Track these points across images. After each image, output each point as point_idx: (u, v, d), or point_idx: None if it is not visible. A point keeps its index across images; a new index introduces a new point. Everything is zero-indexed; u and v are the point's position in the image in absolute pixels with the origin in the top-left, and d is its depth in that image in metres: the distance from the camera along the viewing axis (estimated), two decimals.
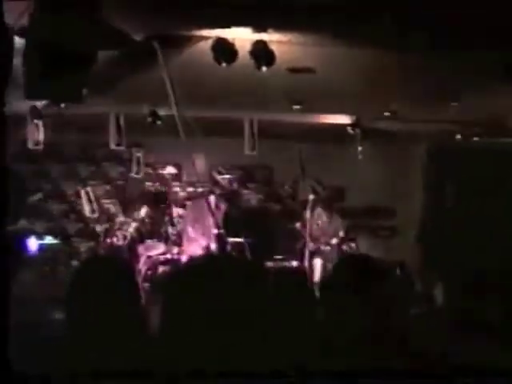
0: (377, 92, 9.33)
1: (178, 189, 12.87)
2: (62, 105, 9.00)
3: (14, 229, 10.91)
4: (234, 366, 2.04)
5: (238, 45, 6.94)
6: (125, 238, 11.01)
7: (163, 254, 10.84)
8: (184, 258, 10.57)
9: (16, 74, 4.64)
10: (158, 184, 12.63)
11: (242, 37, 6.91)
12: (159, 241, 10.99)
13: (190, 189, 12.37)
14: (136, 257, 10.71)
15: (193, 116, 8.67)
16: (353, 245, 11.59)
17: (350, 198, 12.96)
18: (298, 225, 11.81)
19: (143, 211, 11.25)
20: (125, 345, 2.56)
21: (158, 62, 7.18)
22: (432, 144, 13.10)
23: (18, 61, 4.80)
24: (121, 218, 11.27)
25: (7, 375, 1.89)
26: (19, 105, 8.97)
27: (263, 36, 6.90)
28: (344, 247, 11.39)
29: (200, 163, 10.84)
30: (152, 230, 11.08)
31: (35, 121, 10.52)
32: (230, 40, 6.93)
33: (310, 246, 11.18)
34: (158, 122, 10.62)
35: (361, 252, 11.60)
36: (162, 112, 10.39)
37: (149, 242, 10.98)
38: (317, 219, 11.37)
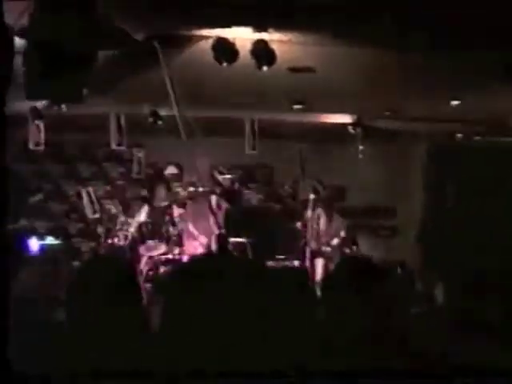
0: (377, 91, 9.33)
1: (179, 189, 12.86)
2: (63, 105, 9.01)
3: (15, 229, 10.92)
4: (234, 366, 2.04)
5: (238, 44, 6.94)
6: (126, 238, 11.00)
7: (164, 254, 10.83)
8: (185, 258, 10.57)
9: (16, 74, 4.64)
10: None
11: (242, 36, 6.91)
12: (160, 241, 10.98)
13: (191, 189, 12.35)
14: (137, 257, 10.71)
15: (193, 116, 8.68)
16: (354, 246, 11.58)
17: (351, 197, 12.96)
18: (298, 224, 11.81)
19: (144, 211, 11.25)
20: (125, 345, 2.56)
21: (159, 61, 7.18)
22: (432, 143, 13.10)
23: (18, 61, 4.80)
24: (122, 218, 11.27)
25: (7, 375, 1.89)
26: (20, 105, 8.98)
27: (264, 36, 6.90)
28: (345, 247, 11.38)
29: (202, 163, 10.83)
30: (153, 230, 11.08)
31: (36, 121, 10.53)
32: (231, 40, 6.93)
33: (312, 245, 11.17)
34: (159, 122, 10.63)
35: (362, 252, 11.61)
36: (162, 112, 10.40)
37: (150, 242, 10.97)
38: (318, 219, 11.35)
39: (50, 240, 11.44)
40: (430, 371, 2.35)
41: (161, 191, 11.49)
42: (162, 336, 2.27)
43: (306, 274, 5.08)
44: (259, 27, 6.74)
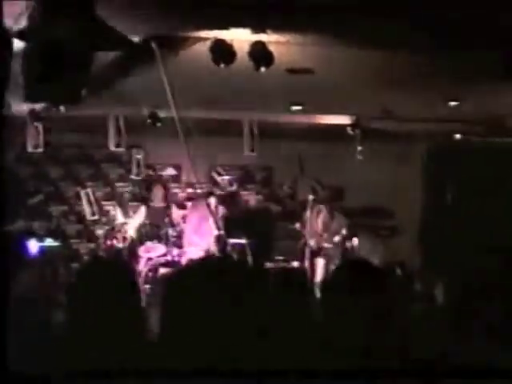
0: (376, 92, 9.33)
1: (177, 190, 12.87)
2: (61, 107, 9.01)
3: (14, 230, 10.91)
4: (234, 366, 2.04)
5: (236, 46, 6.94)
6: (125, 239, 11.00)
7: (163, 255, 10.83)
8: (184, 260, 10.57)
9: (15, 76, 4.64)
10: None
11: (240, 38, 6.91)
12: (159, 242, 10.98)
13: (190, 190, 12.35)
14: (136, 258, 10.71)
15: (192, 117, 8.68)
16: (355, 242, 11.57)
17: (350, 198, 12.95)
18: (297, 225, 11.81)
19: (143, 213, 11.25)
20: (125, 346, 2.56)
21: (157, 63, 7.18)
22: (432, 144, 13.10)
23: (16, 63, 4.81)
24: (121, 220, 11.26)
25: (6, 375, 1.89)
26: (19, 107, 8.99)
27: (262, 37, 6.90)
28: (346, 244, 11.37)
29: (201, 164, 10.84)
30: (152, 232, 11.07)
31: (35, 123, 10.53)
32: (229, 41, 6.93)
33: (312, 243, 11.17)
34: (158, 124, 10.63)
35: (361, 252, 11.61)
36: (161, 114, 10.40)
37: (149, 243, 10.97)
38: (319, 216, 11.36)
39: (49, 242, 11.44)
40: (430, 371, 2.35)
41: (159, 192, 11.48)
42: (161, 336, 2.27)
43: (305, 274, 5.09)
44: (257, 28, 6.73)
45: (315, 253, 11.20)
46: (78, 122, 10.74)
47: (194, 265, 2.28)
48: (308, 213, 11.22)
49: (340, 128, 11.60)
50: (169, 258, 10.74)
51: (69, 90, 5.19)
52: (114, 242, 11.05)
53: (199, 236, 10.99)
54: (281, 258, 11.69)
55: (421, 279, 8.72)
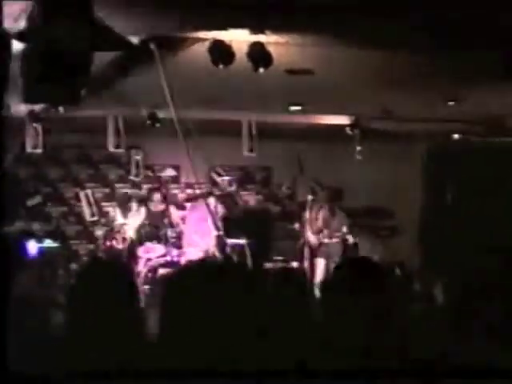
0: (376, 92, 9.33)
1: (177, 191, 12.88)
2: (60, 108, 9.01)
3: (13, 232, 10.91)
4: (234, 366, 2.04)
5: (235, 47, 6.94)
6: (124, 240, 11.01)
7: (163, 256, 10.83)
8: (184, 260, 10.57)
9: (14, 77, 4.64)
10: None
11: (239, 39, 6.91)
12: (159, 243, 10.98)
13: (189, 190, 12.37)
14: (136, 259, 10.71)
15: (191, 118, 8.68)
16: (356, 240, 11.58)
17: (350, 198, 12.95)
18: (297, 225, 11.82)
19: (142, 213, 11.25)
20: (124, 346, 2.56)
21: (156, 63, 7.18)
22: (432, 144, 13.09)
23: (16, 64, 4.81)
24: (120, 221, 11.27)
25: (6, 375, 1.89)
26: (18, 108, 8.98)
27: (260, 38, 6.90)
28: (347, 243, 11.39)
29: (200, 165, 10.83)
30: (151, 233, 11.08)
31: (34, 124, 10.54)
32: (227, 42, 6.93)
33: (312, 240, 11.18)
34: (157, 125, 10.63)
35: (361, 253, 11.61)
36: (160, 114, 10.40)
37: (148, 244, 10.98)
38: (320, 213, 11.38)
39: (48, 243, 11.44)
40: (430, 371, 2.34)
41: (159, 193, 11.49)
42: (160, 337, 2.27)
43: (304, 274, 5.09)
44: (256, 29, 6.73)
45: (315, 252, 11.21)
46: (77, 122, 10.74)
47: (193, 265, 2.28)
48: (307, 212, 11.22)
49: (339, 128, 11.61)
50: (168, 258, 10.75)
51: (68, 90, 5.19)
52: (114, 242, 11.05)
53: (199, 236, 11.00)
54: (280, 258, 11.69)
55: (420, 279, 8.72)
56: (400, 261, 10.26)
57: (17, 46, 4.93)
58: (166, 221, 11.20)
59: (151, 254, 10.85)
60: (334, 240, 11.17)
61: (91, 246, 12.39)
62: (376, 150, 12.14)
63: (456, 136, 12.47)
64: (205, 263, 2.34)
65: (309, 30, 6.80)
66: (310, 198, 11.30)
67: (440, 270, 9.37)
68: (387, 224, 13.69)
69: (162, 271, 10.52)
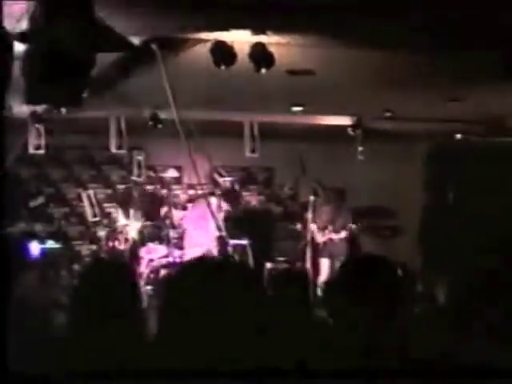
0: (377, 92, 9.33)
1: (179, 191, 12.89)
2: (62, 109, 9.02)
3: (16, 232, 10.92)
4: (234, 366, 2.04)
5: (236, 47, 6.94)
6: (126, 241, 11.02)
7: (165, 256, 10.84)
8: (185, 261, 10.57)
9: (16, 78, 4.65)
10: None
11: (240, 39, 6.91)
12: (161, 244, 10.99)
13: (191, 191, 12.38)
14: (138, 260, 10.72)
15: (193, 118, 8.69)
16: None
17: (352, 198, 12.96)
18: (299, 226, 11.84)
19: (144, 214, 11.26)
20: (124, 346, 2.57)
21: (158, 64, 7.19)
22: (433, 144, 13.11)
23: (18, 65, 4.81)
24: (122, 221, 11.28)
25: (6, 375, 1.90)
26: (21, 109, 9.00)
27: (262, 38, 6.90)
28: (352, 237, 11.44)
29: (202, 165, 10.84)
30: (153, 233, 11.10)
31: (36, 125, 10.55)
32: (229, 43, 6.94)
33: (318, 237, 11.22)
34: (159, 126, 10.64)
35: (362, 250, 11.64)
36: (162, 115, 10.41)
37: (150, 245, 10.99)
38: (325, 209, 11.42)
39: (51, 243, 11.45)
40: (430, 371, 2.35)
41: (161, 194, 11.51)
42: (160, 337, 2.27)
43: (306, 275, 5.09)
44: (257, 30, 6.74)
45: (319, 252, 11.25)
46: (79, 123, 10.75)
47: (192, 264, 2.28)
48: (312, 209, 11.26)
49: (341, 129, 11.61)
50: (170, 259, 10.75)
51: (70, 91, 5.19)
52: (116, 243, 11.07)
53: (201, 237, 11.00)
54: (282, 258, 11.70)
55: (421, 279, 8.72)
56: (401, 261, 10.26)
57: (19, 46, 4.93)
58: (167, 221, 11.21)
59: (153, 254, 10.87)
60: (341, 235, 11.22)
61: (93, 247, 12.40)
62: (378, 151, 12.14)
63: (457, 136, 12.47)
64: (204, 262, 2.35)
65: (310, 31, 6.80)
66: (312, 198, 11.32)
67: (440, 269, 9.37)
68: (388, 224, 13.69)
69: (164, 272, 10.54)
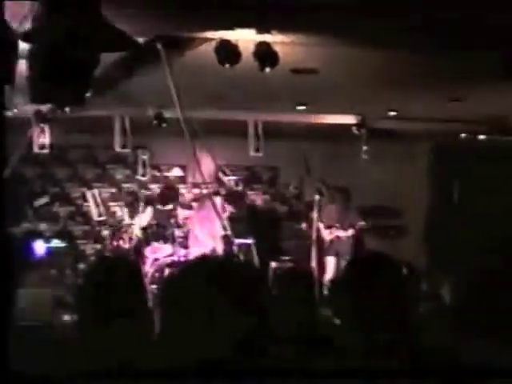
0: (382, 91, 9.33)
1: (183, 190, 12.89)
2: (67, 108, 9.03)
3: (21, 232, 10.95)
4: (234, 366, 2.05)
5: (241, 46, 6.95)
6: (131, 240, 11.03)
7: (170, 256, 10.85)
8: (190, 260, 10.57)
9: (21, 77, 4.66)
10: None
11: (245, 38, 6.92)
12: (165, 243, 11.00)
13: (196, 190, 12.38)
14: (142, 259, 10.73)
15: (197, 118, 8.71)
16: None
17: (357, 197, 12.96)
18: (304, 225, 11.85)
19: (149, 213, 11.27)
20: (124, 346, 2.57)
21: (162, 63, 7.19)
22: (438, 143, 13.10)
23: (22, 65, 4.82)
24: (127, 221, 11.29)
25: (7, 375, 1.90)
26: (25, 108, 9.02)
27: (266, 37, 6.91)
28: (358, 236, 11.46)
29: (207, 165, 10.85)
30: (158, 232, 11.10)
31: (40, 124, 10.58)
32: (234, 42, 6.94)
33: (326, 235, 11.24)
34: (164, 125, 10.65)
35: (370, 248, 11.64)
36: (167, 114, 10.42)
37: (155, 244, 10.99)
38: (332, 207, 11.43)
39: (56, 243, 11.47)
40: (431, 371, 2.35)
41: (165, 193, 11.51)
42: (166, 337, 2.28)
43: (311, 274, 5.09)
44: (262, 29, 6.74)
45: (325, 250, 11.27)
46: (84, 122, 10.77)
47: (193, 264, 2.29)
48: (319, 208, 11.28)
49: (346, 128, 11.61)
50: (175, 258, 10.76)
51: (73, 91, 5.20)
52: (121, 242, 11.08)
53: (205, 236, 11.01)
54: (287, 257, 11.70)
55: (426, 278, 8.72)
56: (407, 261, 10.26)
57: (23, 46, 4.94)
58: (172, 220, 11.22)
59: (158, 253, 10.87)
60: (348, 233, 11.24)
61: (98, 246, 12.41)
62: (382, 150, 12.14)
63: (462, 136, 12.46)
64: (205, 262, 2.35)
65: (314, 30, 6.80)
66: (316, 197, 11.33)
67: (444, 269, 9.37)
68: (393, 223, 13.68)
69: (168, 271, 10.54)
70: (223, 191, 11.90)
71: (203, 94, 8.83)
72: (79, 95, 5.33)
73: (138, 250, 10.92)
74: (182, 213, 11.46)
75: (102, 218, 12.13)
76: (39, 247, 10.90)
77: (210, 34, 7.00)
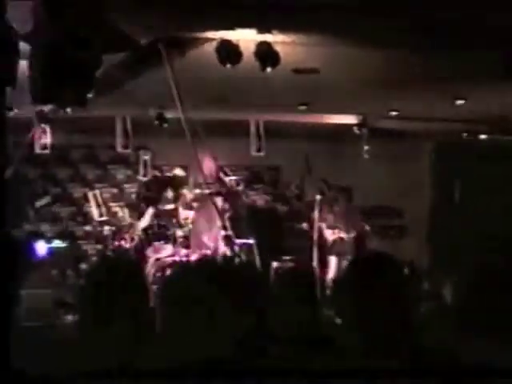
0: (383, 91, 9.33)
1: (185, 191, 12.88)
2: (68, 108, 9.04)
3: (22, 232, 10.95)
4: (234, 365, 2.05)
5: (242, 46, 6.95)
6: (132, 240, 11.03)
7: (171, 256, 10.84)
8: (192, 260, 10.57)
9: (23, 78, 4.66)
10: None
11: (246, 38, 6.93)
12: (167, 243, 10.99)
13: (197, 190, 12.37)
14: (144, 259, 10.72)
15: (199, 118, 8.71)
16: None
17: (358, 197, 12.95)
18: (305, 225, 11.84)
19: (150, 213, 11.26)
20: (124, 346, 2.57)
21: (163, 64, 7.20)
22: (439, 143, 13.10)
23: (24, 65, 4.83)
24: (128, 221, 11.29)
25: (8, 375, 1.91)
26: (27, 109, 9.02)
27: (267, 37, 6.91)
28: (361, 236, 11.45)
29: (208, 164, 10.85)
30: (159, 232, 11.10)
31: (42, 125, 10.58)
32: (235, 42, 6.95)
33: (328, 235, 11.23)
34: (165, 125, 10.66)
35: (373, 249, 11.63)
36: (168, 115, 10.43)
37: (156, 244, 10.99)
38: (333, 208, 11.42)
39: (57, 243, 11.47)
40: (431, 371, 2.35)
41: (167, 193, 11.50)
42: (166, 337, 2.28)
43: (313, 273, 5.10)
44: (263, 29, 6.75)
45: (326, 250, 11.26)
46: (85, 123, 10.77)
47: (194, 265, 2.29)
48: (321, 209, 11.27)
49: (347, 128, 11.61)
50: (177, 258, 10.75)
51: (75, 92, 5.21)
52: (122, 242, 11.08)
53: (207, 236, 10.99)
54: (288, 257, 11.69)
55: (427, 278, 8.73)
56: (408, 260, 10.27)
57: (25, 46, 4.95)
58: (174, 221, 11.21)
59: (159, 253, 10.87)
60: (351, 234, 11.23)
61: (100, 247, 12.41)
62: (384, 149, 12.13)
63: (464, 135, 12.45)
64: (206, 262, 2.35)
65: (315, 30, 6.81)
66: (318, 197, 11.33)
67: (447, 268, 9.37)
68: (395, 224, 13.68)
69: (170, 271, 10.53)
70: (225, 191, 11.89)
71: (204, 94, 8.83)
72: (81, 95, 5.34)
73: (140, 251, 10.92)
74: (183, 213, 11.45)
75: (103, 219, 12.13)
76: (40, 247, 10.90)
77: (211, 34, 7.01)
